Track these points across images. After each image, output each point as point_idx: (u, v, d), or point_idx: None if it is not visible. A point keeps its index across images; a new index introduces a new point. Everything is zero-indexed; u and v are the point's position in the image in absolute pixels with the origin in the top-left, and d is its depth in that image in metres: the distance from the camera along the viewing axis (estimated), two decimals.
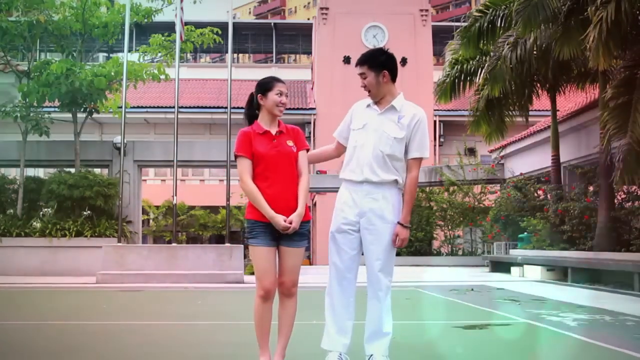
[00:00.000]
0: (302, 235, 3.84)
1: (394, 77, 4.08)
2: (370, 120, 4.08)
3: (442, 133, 28.95)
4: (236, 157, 3.83)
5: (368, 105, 4.16)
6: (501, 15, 13.45)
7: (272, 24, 39.41)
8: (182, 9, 14.05)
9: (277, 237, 3.79)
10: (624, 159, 10.12)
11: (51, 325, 6.59)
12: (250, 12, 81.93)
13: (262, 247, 3.77)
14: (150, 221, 30.42)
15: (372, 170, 3.99)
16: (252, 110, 3.96)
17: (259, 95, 3.91)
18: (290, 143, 3.86)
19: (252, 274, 14.56)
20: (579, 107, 15.32)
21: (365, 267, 4.01)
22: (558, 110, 15.42)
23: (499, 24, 13.59)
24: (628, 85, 10.86)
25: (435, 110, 27.22)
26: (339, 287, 4.04)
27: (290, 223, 3.71)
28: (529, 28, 11.62)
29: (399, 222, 3.99)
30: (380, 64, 4.04)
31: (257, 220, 3.77)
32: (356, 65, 4.12)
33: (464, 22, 14.86)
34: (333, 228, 4.07)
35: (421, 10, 27.92)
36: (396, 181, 4.02)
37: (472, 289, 10.55)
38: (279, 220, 3.69)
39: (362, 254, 4.07)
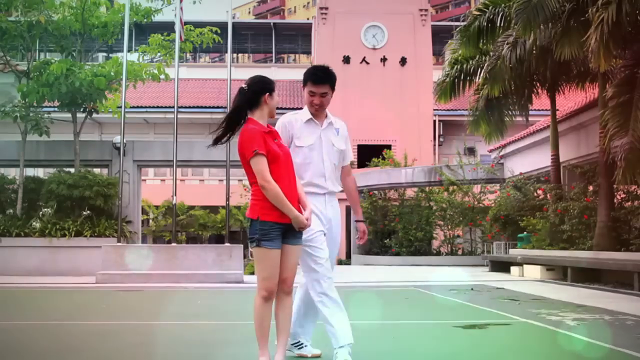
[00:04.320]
0: (301, 233, 3.85)
1: None
2: (316, 135, 4.20)
3: (441, 133, 28.95)
4: (254, 155, 3.61)
5: (307, 121, 4.21)
6: (501, 13, 13.45)
7: (272, 24, 39.34)
8: (181, 8, 14.08)
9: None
10: (626, 157, 10.13)
11: (51, 325, 6.58)
12: (249, 12, 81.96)
13: (277, 249, 3.70)
14: (150, 221, 30.41)
15: (332, 181, 4.23)
16: (250, 104, 3.77)
17: (267, 94, 3.78)
18: (284, 143, 3.90)
19: (252, 273, 14.57)
20: (578, 107, 15.31)
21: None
22: (558, 110, 15.41)
23: (498, 23, 13.59)
24: (628, 84, 10.88)
25: (434, 110, 27.20)
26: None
27: (307, 219, 3.75)
28: (529, 29, 11.63)
29: (362, 220, 4.49)
30: (335, 84, 4.22)
31: (275, 222, 3.65)
32: (316, 83, 4.14)
33: (463, 21, 14.86)
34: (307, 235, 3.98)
35: (421, 10, 27.90)
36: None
37: (472, 289, 10.54)
38: (303, 218, 3.70)
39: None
